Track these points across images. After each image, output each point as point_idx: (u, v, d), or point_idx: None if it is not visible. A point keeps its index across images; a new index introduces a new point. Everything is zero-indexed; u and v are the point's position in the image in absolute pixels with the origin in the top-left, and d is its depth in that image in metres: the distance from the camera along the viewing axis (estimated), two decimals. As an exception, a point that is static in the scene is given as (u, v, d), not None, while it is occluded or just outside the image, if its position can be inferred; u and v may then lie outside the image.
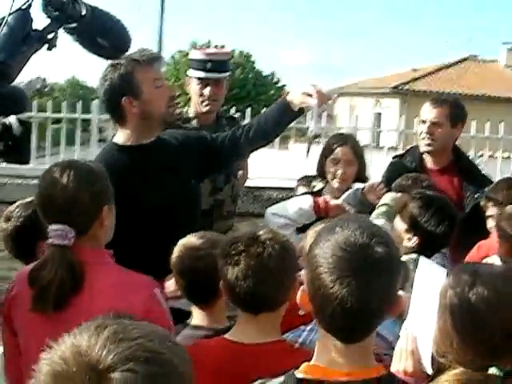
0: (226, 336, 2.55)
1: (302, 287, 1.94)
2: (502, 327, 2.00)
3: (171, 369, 1.25)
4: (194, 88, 4.82)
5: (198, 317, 2.91)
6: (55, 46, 2.28)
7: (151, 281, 2.59)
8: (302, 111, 3.73)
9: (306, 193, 4.37)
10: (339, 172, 4.42)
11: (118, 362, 1.17)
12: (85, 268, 2.48)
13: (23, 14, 2.18)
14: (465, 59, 39.41)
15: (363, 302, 1.77)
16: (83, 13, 2.27)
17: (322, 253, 1.81)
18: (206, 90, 4.74)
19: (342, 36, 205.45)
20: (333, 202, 3.96)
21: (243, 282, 2.45)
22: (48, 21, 2.25)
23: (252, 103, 33.36)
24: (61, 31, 2.30)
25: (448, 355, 2.05)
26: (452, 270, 2.22)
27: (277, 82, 44.14)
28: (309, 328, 2.77)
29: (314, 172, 4.68)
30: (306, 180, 6.44)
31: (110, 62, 3.46)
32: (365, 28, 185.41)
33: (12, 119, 2.75)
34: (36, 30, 2.21)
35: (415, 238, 3.51)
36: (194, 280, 2.86)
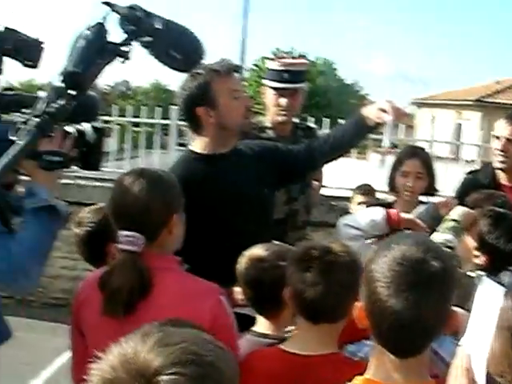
0: (282, 346, 2.58)
1: (358, 303, 1.97)
2: None
3: (216, 371, 1.28)
4: (269, 98, 4.84)
5: (263, 324, 2.93)
6: (129, 58, 2.32)
7: (217, 288, 2.62)
8: (376, 126, 3.70)
9: (377, 204, 4.32)
10: (408, 185, 4.39)
11: (164, 366, 1.22)
12: (153, 274, 2.53)
13: (99, 28, 2.23)
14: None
15: (419, 316, 1.81)
16: (158, 26, 2.30)
17: (379, 268, 1.86)
18: (282, 101, 4.75)
19: (425, 46, 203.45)
20: (404, 215, 3.92)
21: (311, 289, 2.49)
22: (123, 35, 2.29)
23: (333, 112, 33.40)
24: (135, 44, 2.34)
25: (506, 375, 2.03)
26: None
27: (359, 91, 43.99)
28: (369, 342, 2.76)
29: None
30: (364, 189, 6.40)
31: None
32: (449, 38, 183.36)
33: (86, 126, 2.82)
34: (111, 43, 2.24)
35: (483, 256, 3.45)
36: (259, 291, 2.88)
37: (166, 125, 9.89)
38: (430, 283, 1.82)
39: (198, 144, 3.64)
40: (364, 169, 9.13)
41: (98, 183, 8.72)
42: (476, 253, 3.49)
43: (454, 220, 3.63)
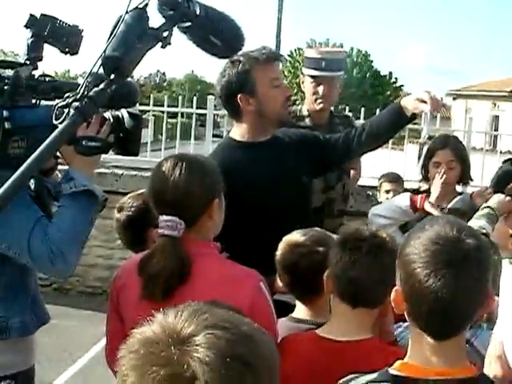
0: (318, 331, 2.60)
1: (395, 288, 1.98)
2: None
3: (251, 341, 1.29)
4: (307, 86, 4.85)
5: (301, 310, 2.95)
6: (169, 43, 2.30)
7: (257, 274, 2.62)
8: (414, 117, 3.67)
9: (408, 190, 4.33)
10: (440, 175, 4.37)
11: (200, 329, 1.25)
12: (192, 259, 2.54)
13: (140, 13, 2.20)
14: None
15: (457, 294, 1.81)
16: (197, 12, 2.28)
17: (414, 250, 1.87)
18: (320, 89, 4.76)
19: (460, 37, 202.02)
20: (428, 207, 3.92)
21: (352, 270, 2.53)
22: (163, 20, 2.27)
23: (368, 102, 33.27)
24: (175, 30, 2.33)
25: None
26: None
27: (394, 82, 43.70)
28: (405, 325, 2.76)
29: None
30: (391, 177, 6.38)
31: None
32: (484, 29, 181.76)
33: (123, 112, 2.85)
34: (151, 28, 2.23)
35: None
36: (296, 276, 2.90)
37: (202, 116, 9.91)
38: (467, 260, 1.82)
39: (238, 131, 3.66)
40: (401, 159, 9.09)
41: (134, 172, 8.77)
42: (511, 240, 3.49)
43: (488, 207, 3.63)
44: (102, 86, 2.18)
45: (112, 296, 2.77)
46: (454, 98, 41.13)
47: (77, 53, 2.82)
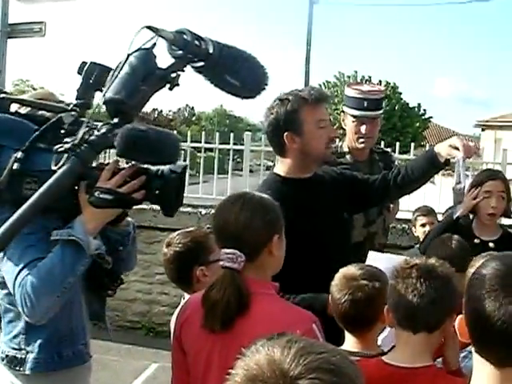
0: (384, 357, 2.69)
1: (460, 316, 2.02)
2: None
3: (350, 382, 1.38)
4: (349, 125, 4.92)
5: (351, 343, 3.03)
6: (177, 85, 2.24)
7: (311, 316, 2.67)
8: (447, 163, 3.79)
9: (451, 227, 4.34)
10: (492, 205, 4.43)
11: (305, 372, 1.32)
12: (251, 297, 2.62)
13: (146, 54, 2.18)
14: None
15: None
16: (210, 51, 2.20)
17: (485, 278, 1.86)
18: (362, 128, 4.83)
19: (487, 67, 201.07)
20: None
21: (410, 294, 2.60)
22: (171, 60, 2.20)
23: (398, 135, 33.18)
24: (189, 69, 2.24)
25: None
26: None
27: (423, 114, 43.53)
28: (463, 355, 2.82)
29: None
30: (425, 210, 6.40)
31: (276, 96, 3.64)
32: (510, 60, 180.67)
33: (165, 168, 2.71)
34: (159, 69, 2.20)
35: None
36: (351, 308, 2.97)
37: (235, 150, 10.04)
38: None
39: (282, 167, 3.79)
40: (435, 192, 9.10)
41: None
42: None
43: None
44: (103, 130, 2.17)
45: (176, 330, 2.85)
46: (483, 129, 40.90)
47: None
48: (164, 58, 2.22)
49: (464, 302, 1.96)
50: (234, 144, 9.77)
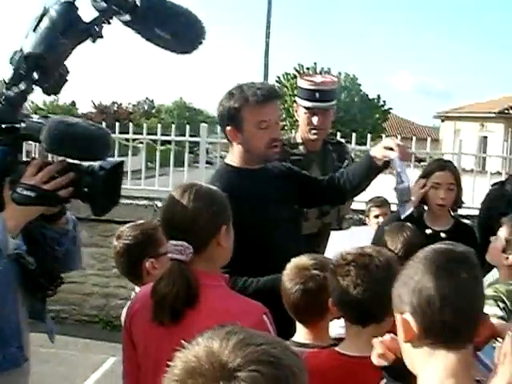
0: (337, 348, 2.73)
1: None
2: None
3: (291, 374, 1.37)
4: (301, 116, 4.92)
5: (302, 334, 3.03)
6: (101, 37, 2.14)
7: (261, 307, 2.67)
8: (386, 165, 3.88)
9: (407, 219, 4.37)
10: (441, 196, 4.48)
11: (245, 364, 1.31)
12: (200, 288, 2.61)
13: (66, 7, 2.08)
14: None
15: None
16: (137, 3, 2.12)
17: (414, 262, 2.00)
18: (314, 120, 4.83)
19: (447, 60, 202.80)
20: None
21: (353, 291, 2.65)
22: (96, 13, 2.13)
23: (357, 126, 33.30)
24: (118, 24, 2.17)
25: None
26: None
27: (383, 106, 43.76)
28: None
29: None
30: (378, 201, 6.43)
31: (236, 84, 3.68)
32: (471, 51, 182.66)
33: (96, 165, 2.59)
34: (82, 22, 2.10)
35: None
36: (302, 298, 2.96)
37: (191, 143, 9.99)
38: None
39: (232, 157, 3.84)
40: (390, 182, 9.15)
41: (128, 201, 8.80)
42: None
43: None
44: (22, 86, 2.10)
45: (126, 323, 2.84)
46: (443, 120, 41.27)
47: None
48: (88, 11, 2.14)
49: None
50: (192, 136, 9.71)
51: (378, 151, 3.85)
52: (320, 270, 2.95)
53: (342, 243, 3.39)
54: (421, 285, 1.89)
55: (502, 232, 3.59)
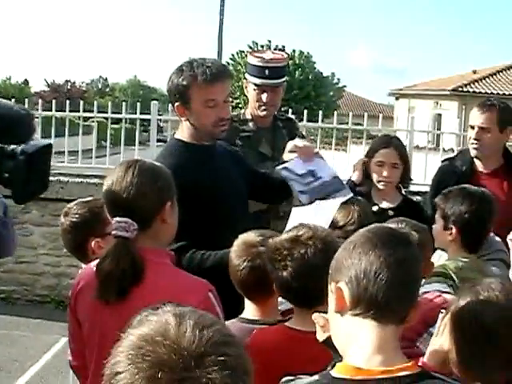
0: (287, 323, 2.75)
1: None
2: None
3: (243, 349, 1.36)
4: (251, 93, 4.88)
5: (251, 310, 3.02)
6: None
7: (206, 284, 2.67)
8: None
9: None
10: (384, 175, 4.49)
11: (209, 347, 1.28)
12: (146, 265, 2.59)
13: None
14: (528, 60, 38.52)
15: None
16: None
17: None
18: (264, 96, 4.79)
19: (403, 38, 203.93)
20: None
21: (294, 283, 2.65)
22: None
23: (312, 104, 33.41)
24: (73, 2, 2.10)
25: None
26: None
27: (337, 83, 43.94)
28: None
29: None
30: None
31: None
32: (427, 30, 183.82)
33: (19, 148, 2.51)
34: None
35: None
36: (250, 275, 2.95)
37: (145, 121, 9.91)
38: None
39: (182, 133, 3.83)
40: (344, 159, 9.19)
41: (79, 179, 8.74)
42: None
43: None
44: None
45: (70, 301, 2.82)
46: (397, 98, 41.57)
47: None
48: None
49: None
50: (144, 113, 9.65)
51: (284, 156, 4.04)
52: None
53: (305, 218, 3.36)
54: (359, 257, 1.91)
55: (438, 213, 3.62)
